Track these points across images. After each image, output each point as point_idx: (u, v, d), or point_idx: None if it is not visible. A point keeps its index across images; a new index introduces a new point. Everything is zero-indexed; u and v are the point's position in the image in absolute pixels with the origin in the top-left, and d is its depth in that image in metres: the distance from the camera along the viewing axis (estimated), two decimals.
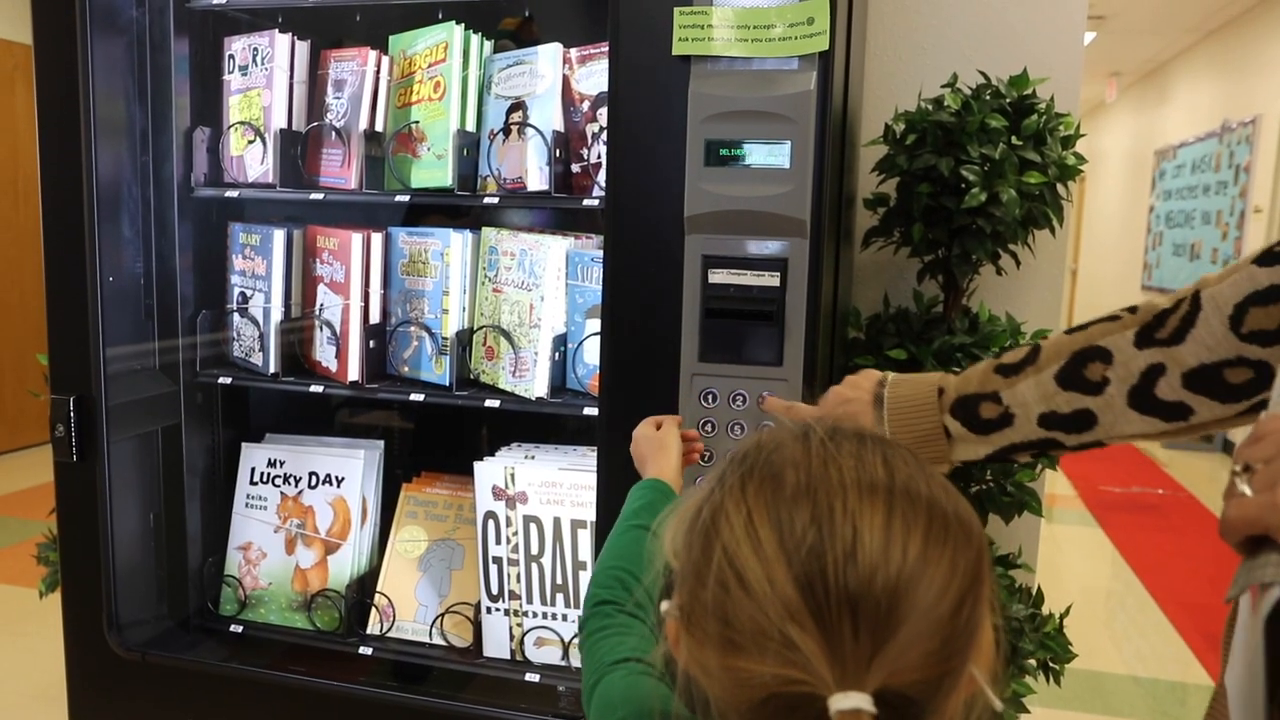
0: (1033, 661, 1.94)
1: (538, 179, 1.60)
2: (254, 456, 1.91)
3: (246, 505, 1.90)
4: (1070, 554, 4.47)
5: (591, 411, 1.57)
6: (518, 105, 1.65)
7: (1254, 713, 0.61)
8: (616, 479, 1.38)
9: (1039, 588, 2.06)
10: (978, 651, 0.61)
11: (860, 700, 0.54)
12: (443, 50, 1.68)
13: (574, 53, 1.62)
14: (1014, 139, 1.75)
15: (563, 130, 1.62)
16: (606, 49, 1.55)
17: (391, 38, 1.78)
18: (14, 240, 5.68)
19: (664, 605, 0.66)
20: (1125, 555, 4.41)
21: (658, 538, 0.69)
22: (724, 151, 1.26)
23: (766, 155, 1.25)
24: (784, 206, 1.25)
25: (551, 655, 1.70)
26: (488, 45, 1.72)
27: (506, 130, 1.64)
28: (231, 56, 1.82)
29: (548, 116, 1.61)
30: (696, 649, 0.62)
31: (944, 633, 0.58)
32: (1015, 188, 1.74)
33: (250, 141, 1.78)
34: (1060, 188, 1.82)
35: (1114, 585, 4.16)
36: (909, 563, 0.57)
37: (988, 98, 1.82)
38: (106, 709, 1.76)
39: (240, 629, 1.86)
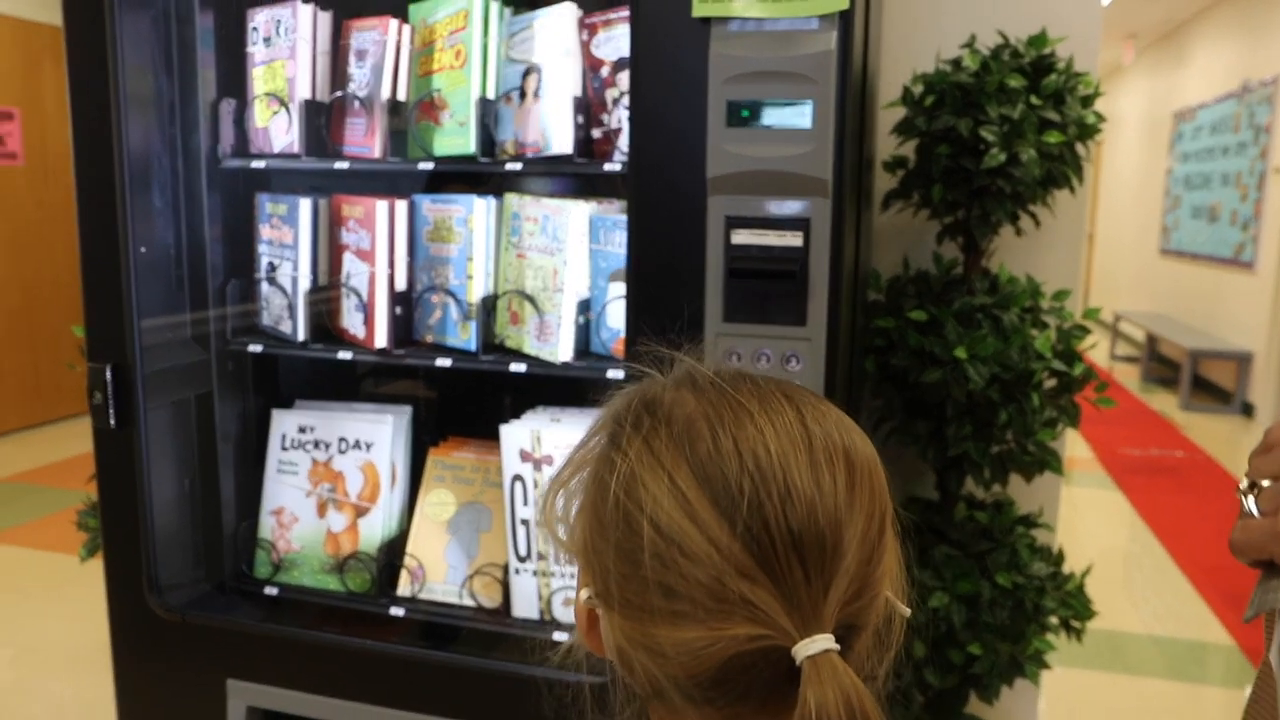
0: (1054, 619, 1.97)
1: (557, 143, 1.61)
2: (284, 423, 1.95)
3: (278, 470, 1.94)
4: (1089, 516, 4.49)
5: (616, 374, 1.59)
6: (532, 69, 1.66)
7: None
8: None
9: (1060, 547, 2.08)
10: (890, 570, 0.63)
11: (826, 641, 0.55)
12: (463, 18, 1.69)
13: (592, 18, 1.63)
14: (1033, 99, 1.76)
15: (582, 95, 1.64)
16: (623, 14, 1.56)
17: (411, 6, 1.79)
18: (46, 218, 5.76)
19: (582, 594, 0.65)
20: (1144, 517, 4.43)
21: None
22: (745, 112, 1.27)
23: (788, 115, 1.26)
24: (806, 166, 1.26)
25: None
26: (507, 11, 1.73)
27: (522, 93, 1.66)
28: (255, 28, 1.83)
29: (565, 79, 1.62)
30: (634, 629, 0.60)
31: (875, 557, 0.59)
32: (1035, 147, 1.75)
33: (275, 112, 1.80)
34: (1080, 147, 1.83)
35: (1132, 547, 4.18)
36: (840, 493, 0.58)
37: (1006, 58, 1.82)
38: (148, 668, 1.82)
39: (275, 591, 1.90)
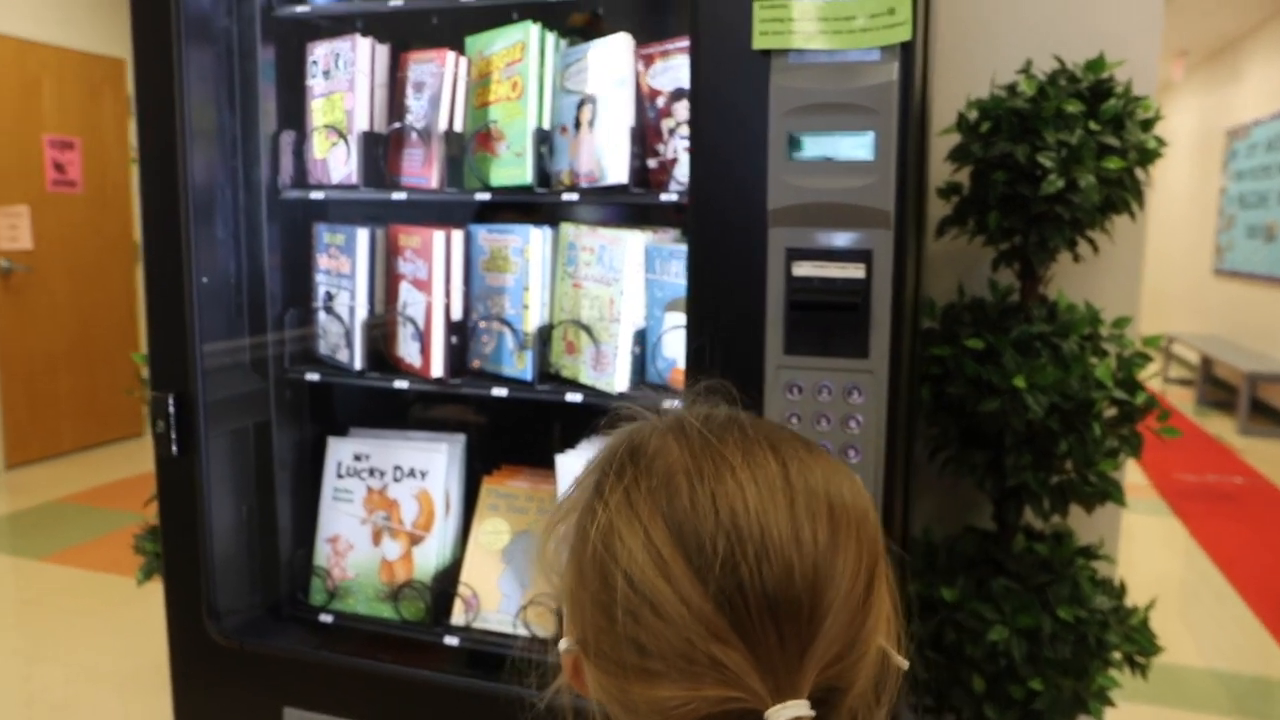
0: (1117, 654, 1.93)
1: (612, 173, 1.62)
2: (340, 450, 1.96)
3: (334, 498, 1.96)
4: (1144, 543, 4.39)
5: (672, 405, 1.58)
6: (587, 99, 1.67)
7: None
8: None
9: (1122, 580, 2.04)
10: (883, 622, 0.61)
11: (798, 708, 0.53)
12: (520, 50, 1.71)
13: (648, 49, 1.63)
14: (1091, 124, 1.74)
15: (637, 125, 1.64)
16: (680, 44, 1.57)
17: (468, 39, 1.81)
18: (103, 245, 5.90)
19: (562, 644, 0.64)
20: (1202, 545, 4.32)
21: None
22: (806, 144, 1.27)
23: (849, 147, 1.25)
24: (868, 198, 1.26)
25: None
26: (562, 42, 1.74)
27: (577, 124, 1.67)
28: (314, 62, 1.87)
29: (620, 109, 1.63)
30: (610, 683, 0.59)
31: (860, 617, 0.57)
32: (1094, 173, 1.72)
33: (333, 144, 1.83)
34: (1140, 172, 1.80)
35: (1189, 575, 4.08)
36: (821, 551, 0.56)
37: (1063, 83, 1.80)
38: (207, 694, 1.83)
39: (329, 618, 1.91)
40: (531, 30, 1.69)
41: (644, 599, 0.56)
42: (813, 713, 0.54)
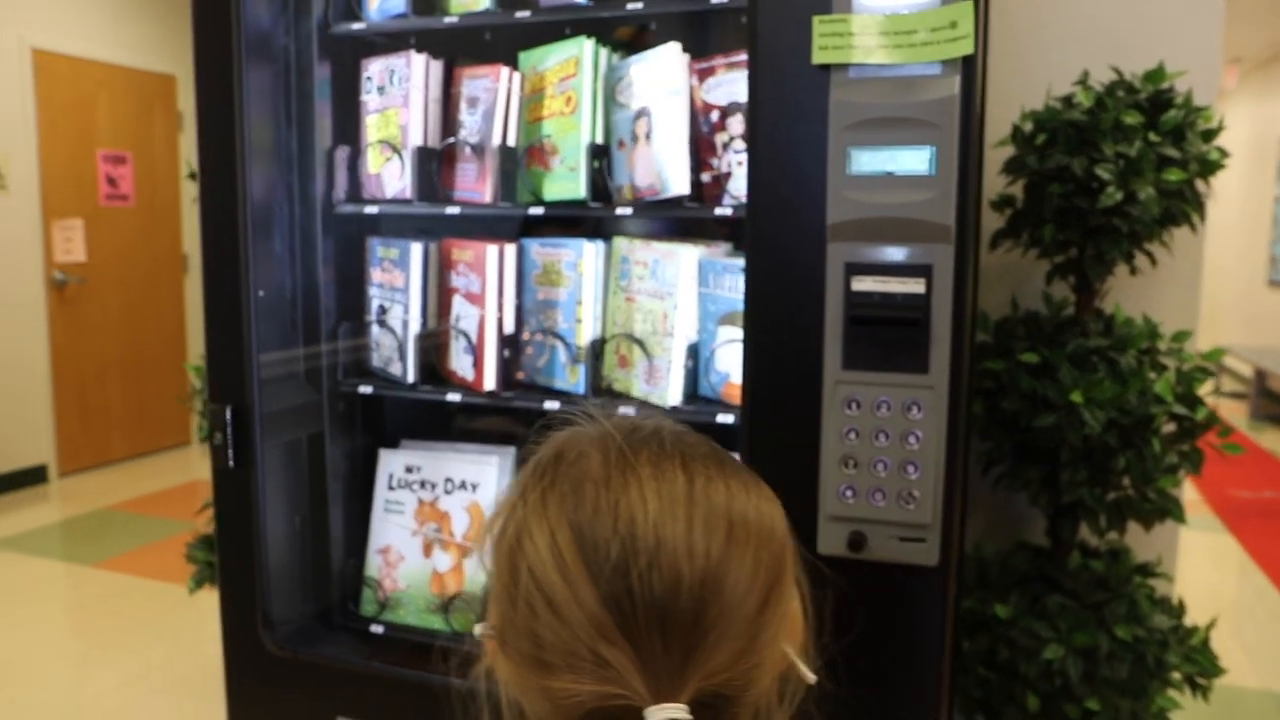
0: (1177, 675, 1.89)
1: (674, 185, 1.62)
2: (391, 462, 1.98)
3: (385, 510, 1.97)
4: (1198, 561, 4.30)
5: (725, 419, 1.58)
6: (642, 112, 1.67)
7: None
8: None
9: (1180, 599, 2.00)
10: (788, 631, 0.64)
11: (675, 711, 0.56)
12: (573, 65, 1.72)
13: (702, 63, 1.64)
14: (1151, 135, 1.71)
15: (691, 139, 1.64)
16: (734, 59, 1.57)
17: (521, 54, 1.82)
18: (153, 258, 6.02)
19: (477, 628, 0.67)
20: (1258, 562, 4.23)
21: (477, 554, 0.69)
22: (866, 159, 1.26)
23: (910, 161, 1.24)
24: (928, 212, 1.24)
25: None
26: (614, 56, 1.75)
27: (634, 138, 1.67)
28: (369, 78, 1.89)
29: (675, 121, 1.63)
30: (513, 669, 0.63)
31: (752, 630, 0.59)
32: (1154, 185, 1.70)
33: (388, 159, 1.85)
34: (1200, 183, 1.77)
35: (1244, 594, 4.00)
36: (712, 565, 0.58)
37: (1121, 94, 1.78)
38: (260, 702, 1.85)
39: (380, 629, 1.93)
40: (585, 45, 1.70)
41: (543, 595, 0.59)
42: (689, 716, 0.56)
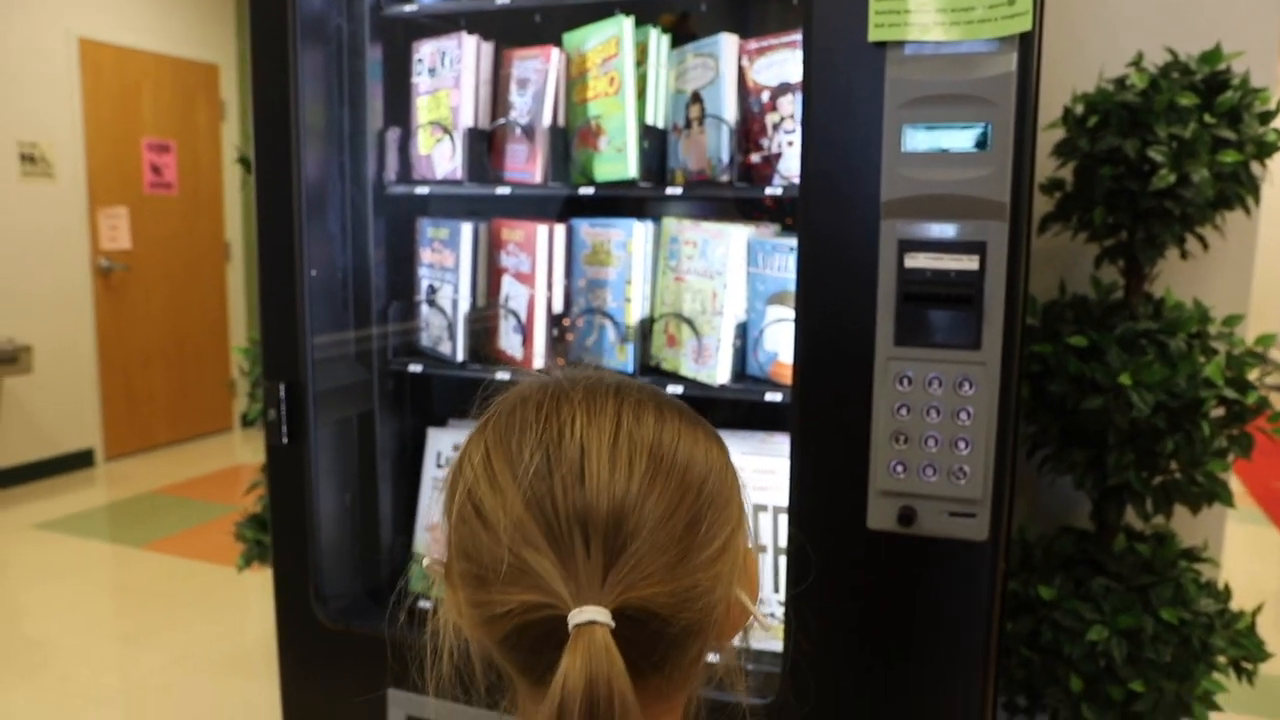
0: (1222, 659, 1.88)
1: (720, 170, 1.63)
2: (439, 441, 2.01)
3: (434, 487, 2.00)
4: (1240, 552, 4.26)
5: (774, 397, 1.59)
6: (696, 97, 1.68)
7: None
8: (809, 463, 1.40)
9: (1226, 583, 1.98)
10: (738, 574, 0.65)
11: (596, 613, 0.56)
12: (614, 45, 1.73)
13: (751, 44, 1.64)
14: (1206, 117, 1.70)
15: (741, 120, 1.65)
16: (785, 39, 1.58)
17: (565, 35, 1.84)
18: (196, 246, 6.10)
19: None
20: None
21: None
22: (921, 136, 1.27)
23: (965, 138, 1.25)
24: (983, 189, 1.25)
25: None
26: (664, 39, 1.76)
27: (688, 123, 1.68)
28: (420, 60, 1.91)
29: (725, 107, 1.64)
30: (453, 594, 0.65)
31: (679, 548, 0.60)
32: (1208, 167, 1.69)
33: (438, 140, 1.87)
34: (1256, 165, 1.76)
35: None
36: (634, 484, 0.60)
37: (1175, 75, 1.76)
38: (313, 675, 1.88)
39: (428, 604, 1.95)
40: (624, 24, 1.70)
41: (474, 507, 0.62)
42: (611, 622, 0.56)
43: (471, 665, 0.72)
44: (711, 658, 0.70)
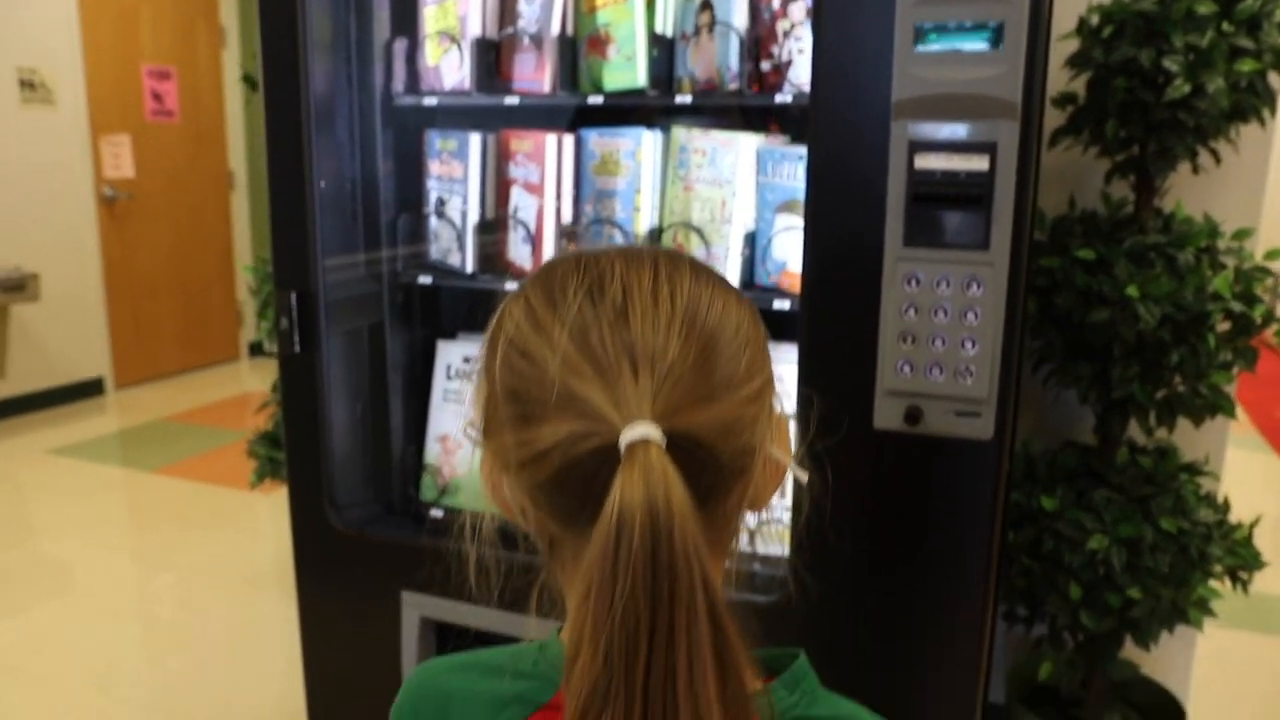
0: (1219, 568, 1.91)
1: (729, 79, 1.62)
2: (449, 353, 2.03)
3: (443, 399, 2.03)
4: (1242, 480, 4.29)
5: (781, 305, 1.60)
6: (706, 4, 1.67)
7: None
8: (817, 369, 1.42)
9: (1226, 496, 2.01)
10: (775, 433, 0.66)
11: (648, 429, 0.56)
12: None
13: None
14: (1224, 25, 1.68)
15: (752, 28, 1.64)
16: None
17: None
18: (199, 175, 6.06)
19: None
20: None
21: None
22: (933, 34, 1.26)
23: (977, 37, 1.24)
24: (995, 89, 1.24)
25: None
26: None
27: (697, 30, 1.67)
28: None
29: (735, 14, 1.63)
30: (498, 449, 0.65)
31: (721, 376, 0.61)
32: (1224, 77, 1.67)
33: (445, 50, 1.86)
34: (1274, 76, 1.74)
35: None
36: (676, 320, 0.60)
37: None
38: (328, 580, 1.93)
39: (440, 513, 1.99)
40: None
41: (519, 351, 0.62)
42: (663, 440, 0.56)
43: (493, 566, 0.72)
44: (750, 521, 0.71)
